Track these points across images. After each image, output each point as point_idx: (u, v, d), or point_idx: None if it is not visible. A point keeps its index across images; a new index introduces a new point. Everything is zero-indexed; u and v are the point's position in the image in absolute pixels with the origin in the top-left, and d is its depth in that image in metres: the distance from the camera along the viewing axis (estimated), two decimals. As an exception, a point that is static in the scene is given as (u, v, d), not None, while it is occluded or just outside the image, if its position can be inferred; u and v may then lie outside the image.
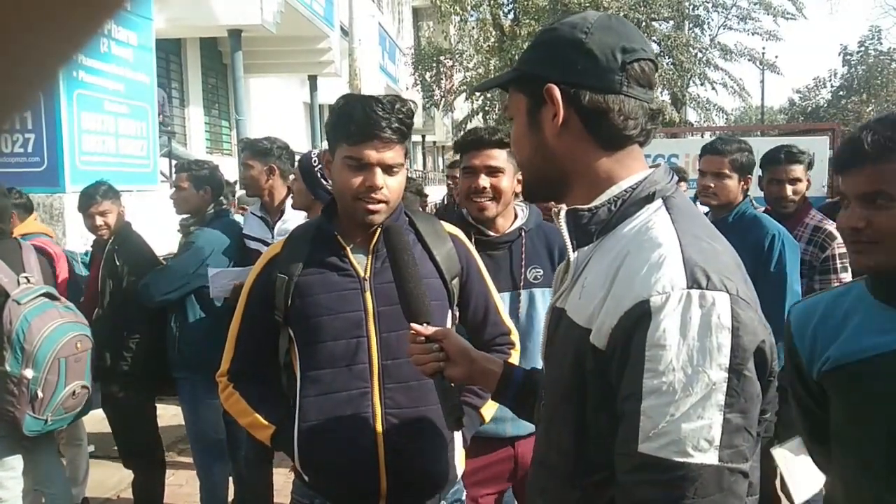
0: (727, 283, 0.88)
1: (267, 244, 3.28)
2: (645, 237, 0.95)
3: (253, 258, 3.22)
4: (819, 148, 6.72)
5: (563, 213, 1.06)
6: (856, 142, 1.31)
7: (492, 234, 2.20)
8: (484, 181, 2.14)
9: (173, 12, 8.64)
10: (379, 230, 1.67)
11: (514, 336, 1.89)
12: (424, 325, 1.38)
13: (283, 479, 3.77)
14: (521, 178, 2.17)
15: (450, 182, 5.44)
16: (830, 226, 2.85)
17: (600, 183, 1.03)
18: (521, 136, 1.09)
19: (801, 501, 2.68)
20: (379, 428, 1.63)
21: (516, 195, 2.24)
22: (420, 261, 1.60)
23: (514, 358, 1.85)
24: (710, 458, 0.84)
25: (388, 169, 1.62)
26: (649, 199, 1.00)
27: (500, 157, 2.16)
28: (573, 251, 1.05)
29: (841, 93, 32.85)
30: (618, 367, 0.90)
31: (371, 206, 1.61)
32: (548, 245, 2.21)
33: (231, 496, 3.50)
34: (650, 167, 1.06)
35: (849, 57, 32.43)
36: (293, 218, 3.29)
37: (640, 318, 0.88)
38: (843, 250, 2.80)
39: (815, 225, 2.90)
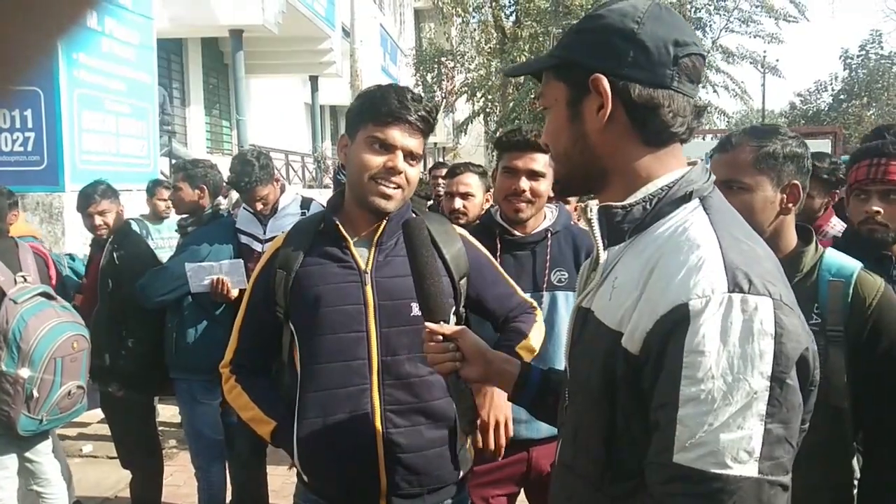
0: (770, 288, 0.84)
1: (258, 239, 3.29)
2: (682, 238, 0.91)
3: (244, 253, 3.22)
4: (821, 151, 6.68)
5: (594, 210, 1.00)
6: None
7: (517, 233, 2.17)
8: (524, 184, 2.11)
9: (175, 12, 8.66)
10: (384, 223, 1.65)
11: (535, 304, 1.89)
12: (441, 323, 1.33)
13: (280, 481, 3.75)
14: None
15: (439, 189, 5.11)
16: None
17: (638, 180, 0.98)
18: (558, 128, 1.03)
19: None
20: (378, 425, 1.61)
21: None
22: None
23: (538, 320, 1.84)
24: (750, 469, 0.80)
25: (409, 156, 1.61)
26: (686, 198, 0.96)
27: (542, 161, 2.12)
28: (603, 249, 1.01)
29: (842, 96, 32.89)
30: (653, 372, 0.86)
31: (387, 189, 1.58)
32: (575, 248, 2.17)
33: (229, 497, 3.48)
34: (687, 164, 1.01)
35: (850, 60, 32.47)
36: (287, 214, 3.30)
37: (677, 322, 0.83)
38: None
39: (833, 235, 2.70)
